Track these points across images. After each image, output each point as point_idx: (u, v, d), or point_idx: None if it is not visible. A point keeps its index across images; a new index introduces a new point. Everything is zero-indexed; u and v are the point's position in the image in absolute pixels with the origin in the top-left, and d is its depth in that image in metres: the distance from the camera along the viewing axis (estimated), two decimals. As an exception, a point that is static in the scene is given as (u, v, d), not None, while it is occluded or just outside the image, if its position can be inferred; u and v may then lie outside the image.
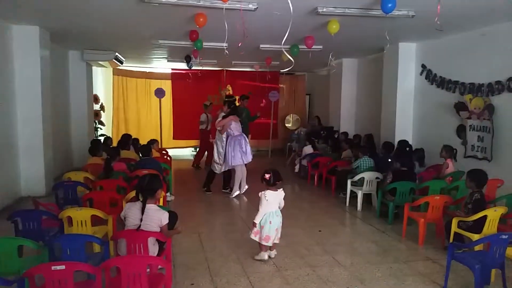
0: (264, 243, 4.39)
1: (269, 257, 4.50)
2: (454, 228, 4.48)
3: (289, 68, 5.24)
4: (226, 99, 7.70)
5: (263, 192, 4.37)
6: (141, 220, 3.52)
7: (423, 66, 8.13)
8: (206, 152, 10.76)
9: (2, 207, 6.32)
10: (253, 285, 3.90)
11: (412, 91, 8.43)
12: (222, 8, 5.01)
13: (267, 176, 4.37)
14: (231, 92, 13.39)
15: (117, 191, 5.31)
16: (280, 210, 4.48)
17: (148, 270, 3.19)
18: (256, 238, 4.43)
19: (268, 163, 11.51)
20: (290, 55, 6.22)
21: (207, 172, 8.06)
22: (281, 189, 4.45)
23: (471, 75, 6.86)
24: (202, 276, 4.09)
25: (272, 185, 4.37)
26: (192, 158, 11.80)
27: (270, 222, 4.33)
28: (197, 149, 11.59)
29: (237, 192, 7.54)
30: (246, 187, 7.63)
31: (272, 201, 4.36)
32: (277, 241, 4.49)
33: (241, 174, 7.52)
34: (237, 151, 7.28)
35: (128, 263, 2.99)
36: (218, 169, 7.55)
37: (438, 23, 4.52)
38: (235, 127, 7.37)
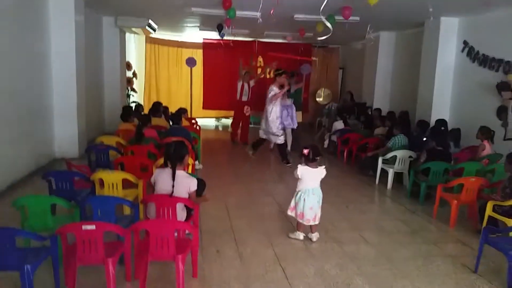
0: (299, 220, 4.24)
1: (310, 239, 4.27)
2: (489, 211, 4.31)
3: (326, 36, 5.05)
4: (276, 73, 7.87)
5: (298, 166, 4.20)
6: (173, 186, 3.54)
7: (465, 42, 7.72)
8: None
9: (37, 167, 6.53)
10: (278, 256, 3.90)
11: (451, 68, 8.05)
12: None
13: (305, 151, 4.14)
14: (262, 64, 13.22)
15: (147, 156, 5.38)
16: None
17: (176, 234, 3.24)
18: (292, 214, 4.31)
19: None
20: (327, 23, 5.98)
21: (278, 149, 8.00)
22: (323, 166, 4.23)
23: (518, 53, 6.47)
24: (228, 243, 4.13)
25: (311, 161, 4.15)
26: (214, 128, 11.72)
27: (305, 200, 4.15)
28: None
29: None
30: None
31: (308, 177, 4.16)
32: (314, 222, 4.23)
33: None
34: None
35: (157, 226, 3.04)
36: (281, 140, 7.71)
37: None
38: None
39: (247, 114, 9.72)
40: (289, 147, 8.29)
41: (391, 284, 3.48)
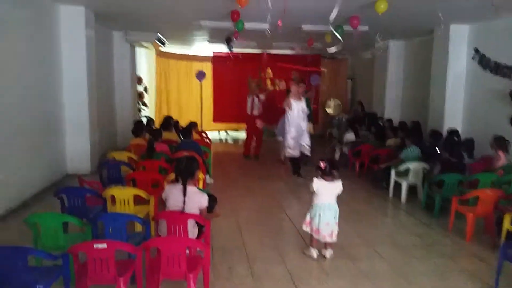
0: (315, 236, 4.12)
1: (323, 256, 4.17)
2: (507, 225, 4.21)
3: (337, 49, 5.00)
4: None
5: (313, 180, 4.10)
6: (184, 202, 3.52)
7: (476, 50, 7.64)
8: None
9: (51, 183, 6.57)
10: (291, 273, 3.84)
11: (463, 76, 7.98)
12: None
13: (322, 164, 4.04)
14: (271, 76, 13.25)
15: (159, 171, 5.38)
16: None
17: (187, 251, 3.21)
18: (308, 229, 4.20)
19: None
20: (337, 34, 5.95)
21: (290, 163, 8.08)
22: (340, 181, 4.11)
23: (531, 60, 6.37)
24: (239, 260, 4.08)
25: (327, 174, 4.04)
26: (222, 140, 11.68)
27: (320, 215, 4.05)
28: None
29: None
30: None
31: (324, 192, 4.05)
32: (331, 239, 4.09)
33: None
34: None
35: (168, 244, 3.02)
36: (296, 153, 7.73)
37: (493, 4, 4.15)
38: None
39: (260, 127, 9.66)
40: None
41: (407, 301, 3.40)
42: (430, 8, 6.10)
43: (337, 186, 4.10)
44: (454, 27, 7.73)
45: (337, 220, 4.13)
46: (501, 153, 5.92)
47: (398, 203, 6.34)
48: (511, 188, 5.34)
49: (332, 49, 6.05)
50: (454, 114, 8.02)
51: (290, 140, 7.67)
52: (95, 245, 2.86)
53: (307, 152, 7.79)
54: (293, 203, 6.31)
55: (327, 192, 4.07)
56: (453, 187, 5.53)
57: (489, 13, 6.48)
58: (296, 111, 7.63)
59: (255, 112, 9.57)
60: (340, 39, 5.79)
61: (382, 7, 5.71)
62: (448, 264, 4.17)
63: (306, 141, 7.74)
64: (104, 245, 2.85)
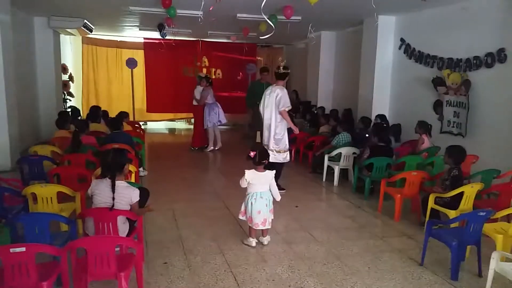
0: (249, 224, 4.14)
1: (261, 243, 4.18)
2: (431, 204, 4.47)
3: (268, 36, 4.96)
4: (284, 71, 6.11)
5: (245, 172, 4.07)
6: (113, 199, 3.32)
7: (402, 40, 8.02)
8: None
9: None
10: (229, 263, 3.80)
11: (390, 65, 8.35)
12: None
13: (252, 154, 4.07)
14: (207, 64, 13.04)
15: (86, 166, 5.06)
16: None
17: (117, 249, 3.03)
18: (244, 218, 4.20)
19: (243, 137, 11.39)
20: (269, 21, 5.87)
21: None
22: (272, 171, 4.19)
23: (450, 50, 6.80)
24: (175, 254, 3.96)
25: (257, 163, 4.08)
26: (167, 132, 11.44)
27: (252, 204, 4.05)
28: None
29: (211, 148, 9.24)
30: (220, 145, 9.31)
31: (256, 182, 4.07)
32: (264, 227, 4.12)
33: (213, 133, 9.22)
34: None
35: (95, 244, 2.83)
36: (282, 157, 6.01)
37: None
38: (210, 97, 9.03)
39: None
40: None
41: (341, 282, 3.49)
42: (360, 0, 6.27)
43: (269, 175, 4.14)
44: (382, 18, 8.01)
45: (270, 208, 4.14)
46: (425, 137, 6.30)
47: (331, 187, 6.56)
48: (434, 169, 5.70)
49: (265, 37, 5.99)
50: (382, 102, 8.38)
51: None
52: (11, 250, 2.59)
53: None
54: (231, 193, 6.24)
55: (258, 181, 4.09)
56: (382, 170, 5.80)
57: (415, 4, 6.81)
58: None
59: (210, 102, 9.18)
60: (273, 25, 5.74)
61: (314, -3, 5.75)
62: (380, 244, 4.35)
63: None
64: (22, 249, 2.60)
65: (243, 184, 4.10)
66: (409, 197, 5.16)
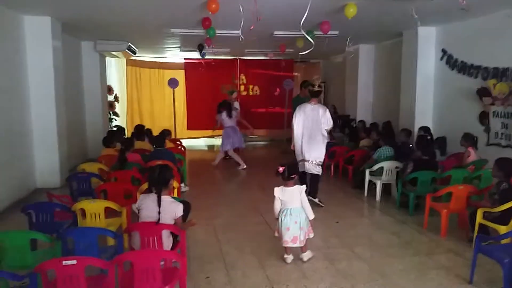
0: (280, 241, 4.07)
1: (301, 259, 4.11)
2: (479, 219, 4.29)
3: (308, 51, 4.98)
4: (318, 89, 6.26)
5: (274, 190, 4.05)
6: (159, 213, 3.42)
7: (444, 51, 7.83)
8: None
9: (18, 199, 6.33)
10: (270, 278, 3.79)
11: (432, 77, 8.14)
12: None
13: (280, 169, 3.97)
14: (245, 82, 13.27)
15: (131, 182, 5.25)
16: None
17: (162, 263, 3.11)
18: (277, 235, 4.14)
19: (281, 152, 11.37)
20: (308, 38, 5.93)
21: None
22: (302, 186, 4.12)
23: (495, 59, 6.56)
24: (217, 269, 4.00)
25: (286, 179, 4.02)
26: (206, 148, 11.69)
27: (281, 220, 3.99)
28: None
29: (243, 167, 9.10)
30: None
31: (286, 198, 4.00)
32: (294, 244, 3.99)
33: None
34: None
35: (141, 257, 2.91)
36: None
37: (464, 2, 4.25)
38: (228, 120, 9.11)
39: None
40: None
41: (387, 301, 3.40)
42: (398, 10, 6.21)
43: (299, 190, 4.04)
44: (421, 29, 7.87)
45: (301, 225, 3.98)
46: (470, 149, 6.07)
47: (374, 203, 6.40)
48: (481, 183, 5.46)
49: (304, 53, 6.03)
50: (425, 114, 8.17)
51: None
52: (64, 262, 2.72)
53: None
54: (271, 207, 6.23)
55: (288, 197, 4.01)
56: (427, 185, 5.62)
57: (457, 12, 6.65)
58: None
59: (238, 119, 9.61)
60: (312, 41, 5.80)
61: (351, 11, 5.78)
62: (425, 261, 4.20)
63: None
64: (73, 262, 2.72)
65: (277, 205, 4.06)
66: (456, 212, 4.97)
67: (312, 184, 6.12)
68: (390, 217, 5.69)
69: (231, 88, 11.16)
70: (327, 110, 6.06)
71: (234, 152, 9.29)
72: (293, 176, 4.04)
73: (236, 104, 10.02)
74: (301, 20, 4.63)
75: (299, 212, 4.01)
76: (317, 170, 6.05)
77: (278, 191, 4.05)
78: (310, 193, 5.95)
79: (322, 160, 6.09)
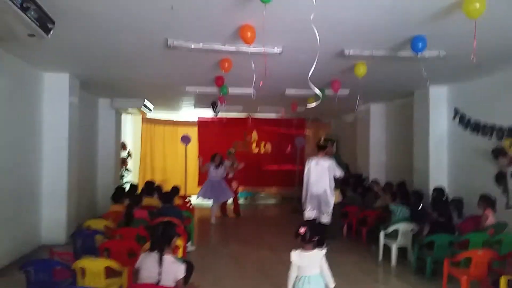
0: None
1: None
2: (503, 287, 3.98)
3: (317, 102, 4.98)
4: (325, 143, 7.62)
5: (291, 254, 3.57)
6: (160, 274, 3.26)
7: (456, 110, 7.78)
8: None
9: (22, 255, 6.19)
10: None
11: (445, 136, 8.03)
12: (247, 53, 4.97)
13: (302, 230, 3.48)
14: (256, 139, 13.43)
15: (136, 240, 5.09)
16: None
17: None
18: None
19: (292, 211, 11.12)
20: (316, 91, 6.00)
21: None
22: (323, 248, 3.57)
23: (510, 118, 6.46)
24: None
25: (307, 242, 3.51)
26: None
27: None
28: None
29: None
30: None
31: (305, 263, 3.51)
32: None
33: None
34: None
35: (137, 323, 2.72)
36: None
37: (474, 61, 4.25)
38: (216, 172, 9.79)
39: (235, 188, 10.52)
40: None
41: None
42: (408, 70, 6.28)
43: (317, 254, 3.56)
44: (433, 89, 7.92)
45: None
46: (488, 212, 5.80)
47: (389, 267, 6.08)
48: (502, 248, 5.15)
49: (312, 105, 6.03)
50: (439, 174, 7.97)
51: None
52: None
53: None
54: (281, 270, 5.95)
55: (307, 263, 3.53)
56: (444, 248, 5.34)
57: (468, 74, 6.68)
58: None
59: (230, 175, 10.45)
60: (320, 94, 5.83)
61: (361, 71, 5.86)
62: (446, 333, 3.87)
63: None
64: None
65: (293, 274, 3.58)
66: (477, 279, 4.65)
67: None
68: (406, 284, 5.36)
69: (242, 147, 11.61)
70: (333, 161, 6.91)
71: (217, 206, 9.88)
72: (315, 238, 3.53)
73: (228, 163, 10.35)
74: (309, 73, 4.64)
75: (318, 280, 3.54)
76: (326, 220, 6.82)
77: (295, 256, 3.54)
78: None
79: (330, 211, 6.87)
